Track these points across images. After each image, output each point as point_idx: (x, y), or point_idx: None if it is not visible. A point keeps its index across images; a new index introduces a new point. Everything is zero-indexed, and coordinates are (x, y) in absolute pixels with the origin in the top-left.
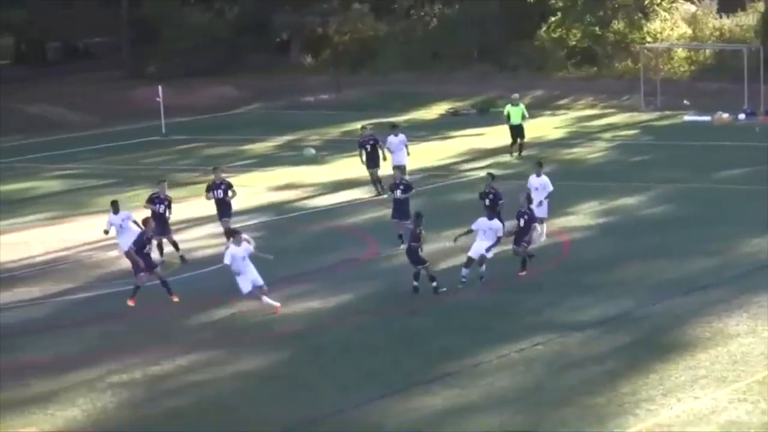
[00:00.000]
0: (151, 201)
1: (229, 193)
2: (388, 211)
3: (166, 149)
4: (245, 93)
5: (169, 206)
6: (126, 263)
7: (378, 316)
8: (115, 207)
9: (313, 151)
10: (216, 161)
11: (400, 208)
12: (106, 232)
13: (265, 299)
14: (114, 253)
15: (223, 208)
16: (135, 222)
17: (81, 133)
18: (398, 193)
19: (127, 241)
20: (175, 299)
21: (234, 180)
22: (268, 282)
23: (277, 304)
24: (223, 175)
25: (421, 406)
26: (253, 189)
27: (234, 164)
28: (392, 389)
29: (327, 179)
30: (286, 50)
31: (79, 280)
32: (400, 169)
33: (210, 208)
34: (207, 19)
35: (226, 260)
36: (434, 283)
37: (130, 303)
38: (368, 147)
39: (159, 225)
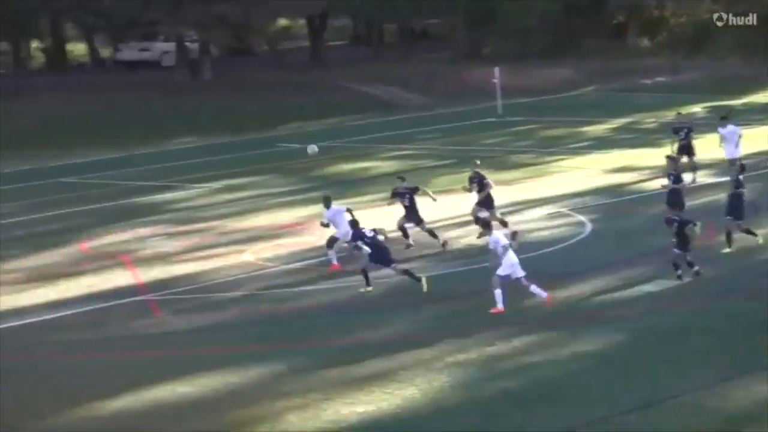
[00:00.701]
0: (396, 195)
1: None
2: (723, 195)
3: (502, 130)
4: (581, 75)
5: (412, 196)
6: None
7: (719, 300)
8: (327, 202)
9: (315, 148)
10: (553, 143)
11: (671, 199)
12: (326, 225)
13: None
14: (451, 234)
15: (488, 202)
16: (349, 211)
17: (416, 113)
18: (669, 183)
19: (344, 231)
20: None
21: (570, 162)
22: (607, 264)
23: (500, 307)
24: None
25: (760, 391)
26: (589, 171)
27: (570, 146)
28: (731, 374)
29: (664, 162)
30: (622, 33)
31: (415, 261)
32: (674, 159)
33: (544, 189)
34: (542, 1)
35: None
36: (695, 268)
37: (368, 289)
38: (682, 134)
39: (410, 215)
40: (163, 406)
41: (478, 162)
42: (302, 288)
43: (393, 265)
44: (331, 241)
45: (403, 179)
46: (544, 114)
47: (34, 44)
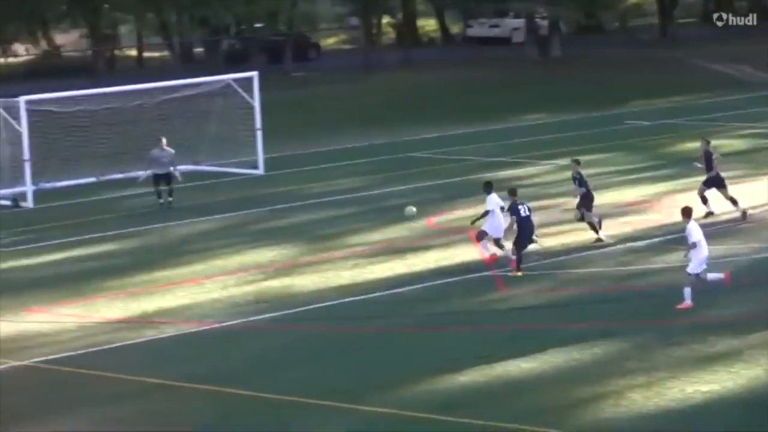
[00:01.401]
0: (574, 181)
1: None
2: None
3: None
4: None
5: (581, 183)
6: None
7: None
8: (487, 188)
9: (413, 210)
10: None
11: None
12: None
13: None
14: None
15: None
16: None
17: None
18: None
19: (492, 225)
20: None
21: None
22: None
23: (688, 302)
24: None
25: None
26: None
27: None
28: None
29: None
30: None
31: (764, 239)
32: None
33: None
34: None
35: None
36: None
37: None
38: None
39: (585, 202)
40: (506, 381)
41: (709, 140)
42: (647, 266)
43: (521, 246)
44: (481, 235)
45: (578, 162)
46: None
47: (385, 20)
